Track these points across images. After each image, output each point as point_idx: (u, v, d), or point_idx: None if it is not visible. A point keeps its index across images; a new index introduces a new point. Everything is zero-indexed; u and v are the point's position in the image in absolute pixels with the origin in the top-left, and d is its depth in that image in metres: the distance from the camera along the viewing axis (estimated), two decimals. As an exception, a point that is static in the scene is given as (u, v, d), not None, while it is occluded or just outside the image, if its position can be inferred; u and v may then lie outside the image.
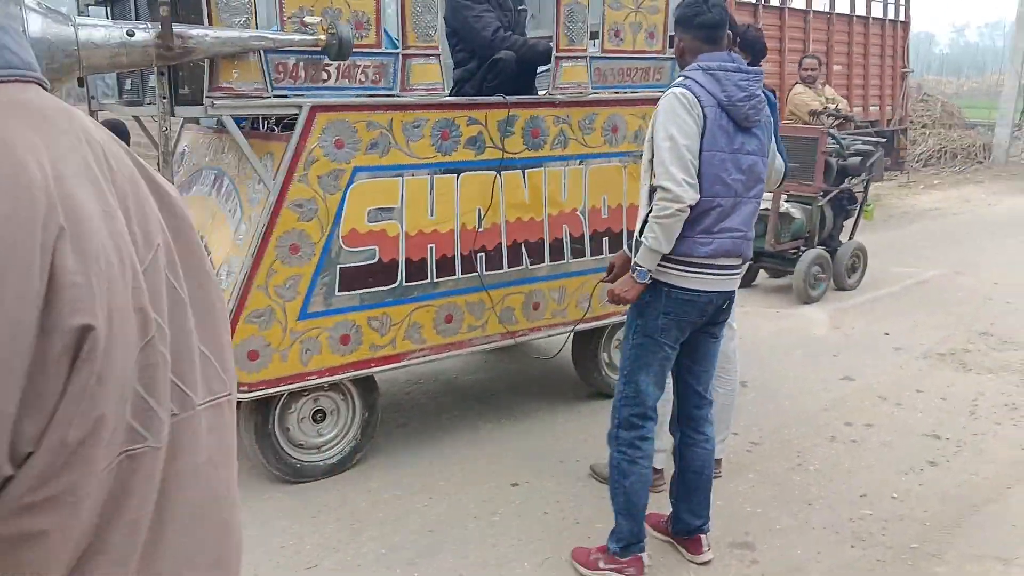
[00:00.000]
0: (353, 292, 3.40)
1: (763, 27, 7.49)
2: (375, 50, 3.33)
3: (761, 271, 7.04)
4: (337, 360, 3.41)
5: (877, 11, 11.83)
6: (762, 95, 2.75)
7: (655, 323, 2.71)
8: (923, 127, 16.35)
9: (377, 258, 3.44)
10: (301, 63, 3.17)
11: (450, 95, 3.76)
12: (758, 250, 6.66)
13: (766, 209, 6.39)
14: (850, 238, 7.01)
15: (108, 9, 3.73)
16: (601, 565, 2.86)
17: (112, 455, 0.69)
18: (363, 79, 3.33)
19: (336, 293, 3.36)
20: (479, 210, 3.69)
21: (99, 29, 2.76)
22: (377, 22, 3.31)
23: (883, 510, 3.35)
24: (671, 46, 3.97)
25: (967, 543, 3.12)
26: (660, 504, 3.20)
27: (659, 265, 2.67)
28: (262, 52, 3.05)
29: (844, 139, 6.72)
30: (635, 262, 2.69)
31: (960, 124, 17.80)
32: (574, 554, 2.96)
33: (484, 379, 4.83)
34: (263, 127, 3.88)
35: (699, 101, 2.61)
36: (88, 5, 3.75)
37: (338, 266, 3.35)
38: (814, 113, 7.23)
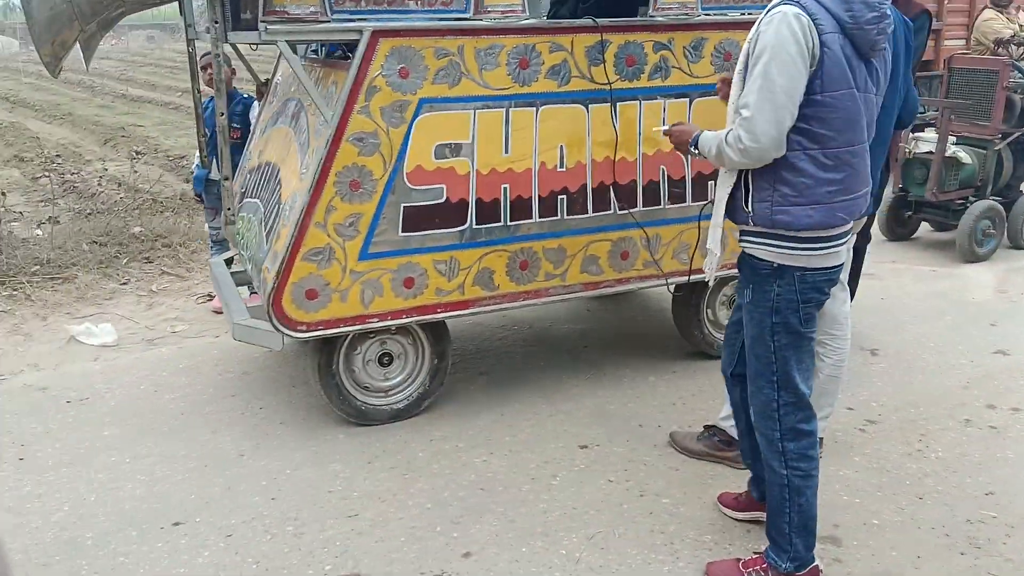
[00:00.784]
0: (418, 233, 3.21)
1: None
2: (445, -32, 3.05)
3: (923, 223, 6.25)
4: (400, 304, 3.25)
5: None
6: (891, 15, 2.25)
7: (796, 316, 2.31)
8: None
9: (445, 198, 3.22)
10: (363, -16, 2.95)
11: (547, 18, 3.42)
12: (918, 200, 5.91)
13: (929, 152, 5.60)
14: (1032, 189, 6.07)
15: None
16: None
17: None
18: (432, 1, 3.07)
19: (400, 234, 3.18)
20: (561, 147, 3.37)
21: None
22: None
23: (1012, 514, 2.83)
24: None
25: (1114, 566, 2.56)
26: (729, 482, 2.84)
27: (787, 247, 2.26)
28: (320, -28, 2.86)
29: (1034, 73, 5.75)
30: (699, 142, 2.38)
31: None
32: (711, 570, 2.53)
33: (581, 330, 4.54)
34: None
35: (817, 26, 2.11)
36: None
37: (402, 205, 3.16)
38: (1000, 42, 6.23)
